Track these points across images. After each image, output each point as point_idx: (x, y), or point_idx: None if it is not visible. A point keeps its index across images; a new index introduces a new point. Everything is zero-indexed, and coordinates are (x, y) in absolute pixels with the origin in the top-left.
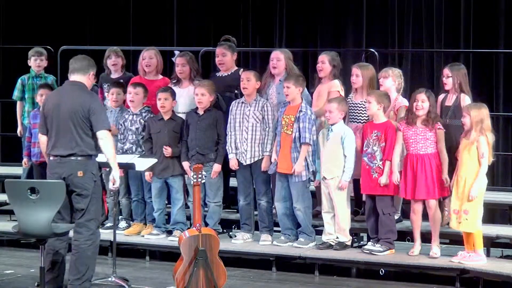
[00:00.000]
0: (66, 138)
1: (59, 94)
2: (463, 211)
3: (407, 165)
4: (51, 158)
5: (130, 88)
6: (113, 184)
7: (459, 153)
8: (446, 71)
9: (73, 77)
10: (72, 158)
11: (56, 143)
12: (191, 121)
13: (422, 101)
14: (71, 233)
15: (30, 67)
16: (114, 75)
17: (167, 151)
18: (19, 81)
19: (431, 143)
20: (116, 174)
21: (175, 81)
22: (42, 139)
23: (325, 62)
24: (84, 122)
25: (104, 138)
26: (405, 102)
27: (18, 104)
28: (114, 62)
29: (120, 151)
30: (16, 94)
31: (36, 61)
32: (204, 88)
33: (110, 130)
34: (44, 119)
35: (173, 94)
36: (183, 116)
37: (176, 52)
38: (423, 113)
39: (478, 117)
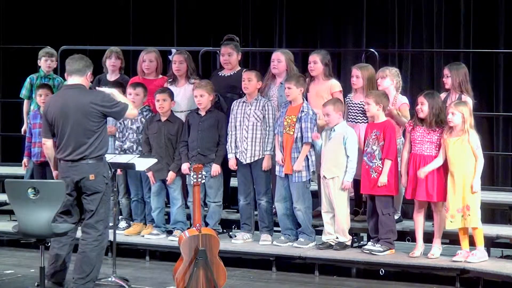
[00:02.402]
0: (76, 142)
1: (62, 98)
2: (465, 206)
3: (410, 164)
4: (62, 162)
5: (130, 89)
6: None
7: (447, 153)
8: (446, 70)
9: (71, 79)
10: (83, 161)
11: (67, 148)
12: (192, 121)
13: (421, 104)
14: (78, 233)
15: (39, 66)
16: (111, 77)
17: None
18: (28, 80)
19: (436, 146)
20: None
21: (171, 79)
22: (48, 143)
23: (317, 61)
24: (96, 121)
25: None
26: (405, 100)
27: (25, 102)
28: (113, 63)
29: (118, 149)
30: (24, 92)
31: (47, 62)
32: (202, 89)
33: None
34: (48, 124)
35: (171, 95)
36: (180, 115)
37: (173, 50)
38: (423, 116)
39: (468, 113)
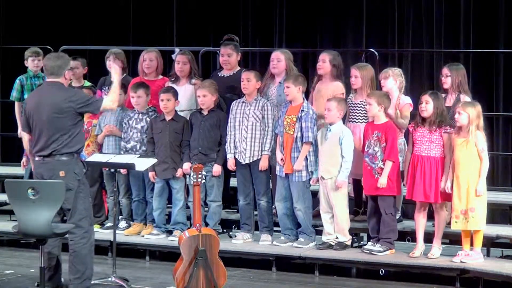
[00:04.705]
0: (48, 138)
1: (39, 93)
2: (469, 209)
3: (409, 165)
4: (36, 158)
5: (131, 93)
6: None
7: (454, 153)
8: (445, 70)
9: (50, 78)
10: (54, 158)
11: (39, 142)
12: (194, 121)
13: (426, 103)
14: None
15: (26, 67)
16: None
17: (179, 172)
18: (18, 81)
19: (436, 146)
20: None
21: (173, 79)
22: (26, 138)
23: (325, 61)
24: (70, 119)
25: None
26: (408, 100)
27: (17, 104)
28: (110, 66)
29: (123, 149)
30: (14, 94)
31: (34, 61)
32: (205, 89)
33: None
34: (26, 119)
35: (175, 94)
36: (180, 114)
37: (176, 50)
38: (427, 115)
39: (475, 114)
